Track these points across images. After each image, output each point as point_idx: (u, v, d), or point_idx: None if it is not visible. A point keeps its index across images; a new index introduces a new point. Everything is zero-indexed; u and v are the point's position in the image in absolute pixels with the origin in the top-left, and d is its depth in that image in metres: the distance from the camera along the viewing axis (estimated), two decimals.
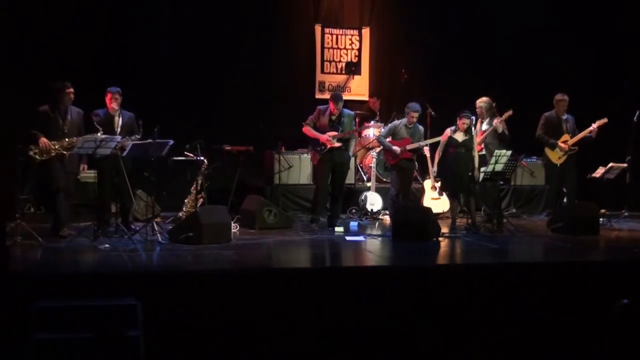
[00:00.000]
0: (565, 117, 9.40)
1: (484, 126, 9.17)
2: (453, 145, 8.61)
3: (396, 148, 9.06)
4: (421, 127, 9.33)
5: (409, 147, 9.08)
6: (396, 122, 9.43)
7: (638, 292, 5.84)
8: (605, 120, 9.20)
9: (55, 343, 5.03)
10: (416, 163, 9.47)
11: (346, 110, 8.92)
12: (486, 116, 9.17)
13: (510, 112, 9.10)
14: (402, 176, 9.15)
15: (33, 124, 7.55)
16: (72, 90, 7.67)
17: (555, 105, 9.39)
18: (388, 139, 9.19)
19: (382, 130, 9.63)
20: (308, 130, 8.82)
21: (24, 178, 8.45)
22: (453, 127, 8.62)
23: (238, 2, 10.71)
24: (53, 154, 7.50)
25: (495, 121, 9.04)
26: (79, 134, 7.63)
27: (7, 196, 7.90)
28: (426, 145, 9.23)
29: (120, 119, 7.95)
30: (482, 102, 9.15)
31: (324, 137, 8.71)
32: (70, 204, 7.96)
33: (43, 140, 7.45)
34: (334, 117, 8.78)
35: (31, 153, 7.43)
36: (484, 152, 8.96)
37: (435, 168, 8.86)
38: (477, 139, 8.91)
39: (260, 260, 7.02)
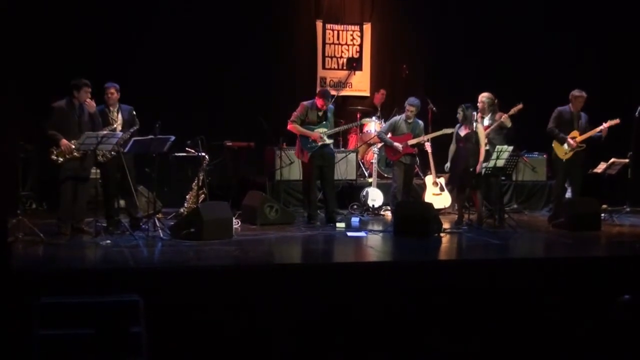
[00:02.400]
0: (580, 114, 9.29)
1: (486, 121, 9.15)
2: (457, 140, 8.68)
3: (397, 144, 9.07)
4: (421, 122, 9.34)
5: (410, 142, 9.09)
6: (396, 117, 9.44)
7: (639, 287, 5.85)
8: (617, 120, 9.03)
9: (57, 339, 5.04)
10: (417, 158, 9.47)
11: (330, 106, 8.87)
12: (487, 111, 9.15)
13: (520, 106, 9.03)
14: (404, 171, 9.17)
15: (47, 120, 7.49)
16: (90, 88, 7.63)
17: (572, 101, 9.23)
18: (388, 135, 9.21)
19: (383, 126, 9.63)
20: (295, 127, 8.72)
21: (26, 174, 8.45)
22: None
23: None
24: (75, 154, 7.44)
25: (504, 116, 8.98)
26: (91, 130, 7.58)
27: (8, 192, 7.91)
28: (427, 140, 9.23)
29: (120, 114, 7.88)
30: (484, 97, 9.13)
31: (315, 135, 8.66)
32: (85, 200, 7.87)
33: (64, 142, 7.38)
34: (320, 113, 8.74)
35: (53, 157, 7.37)
36: (487, 147, 8.94)
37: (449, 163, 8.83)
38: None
39: (262, 256, 7.03)
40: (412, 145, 9.13)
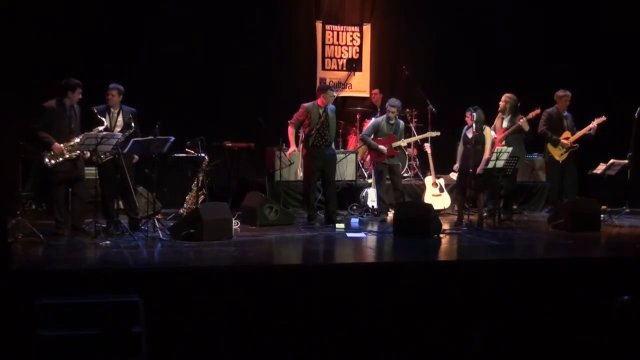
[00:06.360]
0: (565, 113, 9.43)
1: (505, 123, 9.16)
2: (464, 142, 8.70)
3: (382, 147, 9.12)
4: (402, 122, 9.45)
5: (394, 144, 9.15)
6: (378, 119, 9.50)
7: (639, 288, 5.85)
8: (604, 118, 9.27)
9: (57, 340, 5.04)
10: (406, 155, 9.50)
11: (330, 106, 8.82)
12: (508, 113, 9.16)
13: (537, 111, 9.12)
14: (390, 173, 9.21)
15: (37, 119, 7.49)
16: (81, 89, 7.64)
17: (557, 102, 9.40)
18: (372, 137, 9.26)
19: (365, 129, 9.66)
20: (290, 131, 8.84)
21: (25, 175, 8.45)
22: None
23: None
24: (67, 157, 7.46)
25: (521, 120, 9.03)
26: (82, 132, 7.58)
27: (8, 193, 7.91)
28: (407, 144, 9.31)
29: (120, 116, 7.84)
30: (507, 97, 9.15)
31: (289, 152, 8.85)
32: (84, 200, 7.86)
33: (57, 145, 7.40)
34: (321, 111, 8.67)
35: (46, 160, 7.38)
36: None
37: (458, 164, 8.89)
38: (498, 136, 8.92)
39: (261, 257, 7.02)
40: (396, 148, 9.17)
